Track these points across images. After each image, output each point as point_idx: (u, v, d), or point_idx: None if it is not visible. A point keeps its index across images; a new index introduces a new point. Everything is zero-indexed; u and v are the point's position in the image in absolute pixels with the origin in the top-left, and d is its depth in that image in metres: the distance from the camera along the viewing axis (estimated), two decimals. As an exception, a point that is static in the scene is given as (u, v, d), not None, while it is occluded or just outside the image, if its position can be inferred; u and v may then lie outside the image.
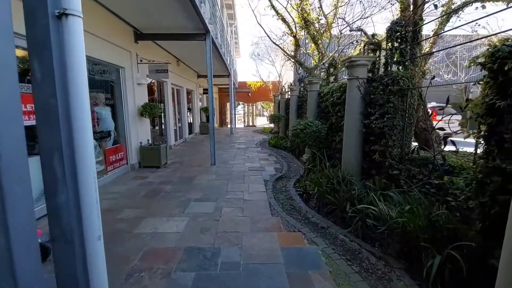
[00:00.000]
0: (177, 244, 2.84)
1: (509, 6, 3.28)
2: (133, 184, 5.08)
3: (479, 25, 7.93)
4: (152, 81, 8.51)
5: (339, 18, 7.34)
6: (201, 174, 5.79)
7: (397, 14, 4.22)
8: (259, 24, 10.94)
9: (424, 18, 3.64)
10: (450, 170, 2.75)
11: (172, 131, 9.57)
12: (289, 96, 10.35)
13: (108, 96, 5.64)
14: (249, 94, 23.38)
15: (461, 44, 4.90)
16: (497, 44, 1.84)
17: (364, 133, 3.80)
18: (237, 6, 16.54)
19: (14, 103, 0.91)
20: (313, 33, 8.29)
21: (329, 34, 8.66)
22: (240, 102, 25.51)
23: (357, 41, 4.53)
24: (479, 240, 1.99)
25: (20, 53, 3.21)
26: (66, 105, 1.24)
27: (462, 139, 2.61)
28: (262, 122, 27.93)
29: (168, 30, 6.27)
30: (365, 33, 5.86)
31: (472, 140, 2.19)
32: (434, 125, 4.00)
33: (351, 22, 6.52)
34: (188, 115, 13.53)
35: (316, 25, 8.28)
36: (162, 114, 8.89)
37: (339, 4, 8.38)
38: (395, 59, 3.51)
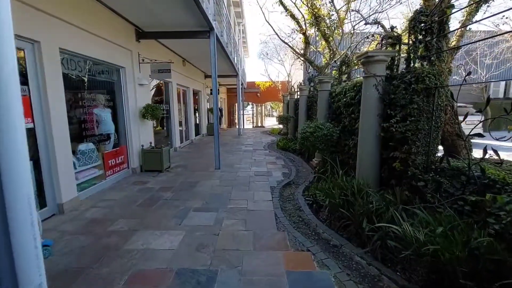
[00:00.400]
0: (169, 265, 2.51)
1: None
2: (132, 190, 4.80)
3: (507, 17, 7.30)
4: (160, 82, 8.29)
5: (353, 11, 6.87)
6: (204, 179, 5.47)
7: (420, 4, 3.77)
8: (268, 22, 10.56)
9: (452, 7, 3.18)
10: (489, 184, 2.31)
11: (178, 133, 9.32)
12: (298, 96, 9.93)
13: (108, 98, 5.40)
14: (258, 95, 23.04)
15: (486, 38, 4.36)
16: None
17: (382, 137, 3.37)
18: (245, 5, 16.21)
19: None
20: (324, 29, 7.85)
21: (340, 30, 8.20)
22: (249, 103, 25.20)
23: (372, 35, 4.09)
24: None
25: None
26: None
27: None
28: (271, 122, 27.54)
29: (170, 28, 5.99)
30: (383, 26, 5.38)
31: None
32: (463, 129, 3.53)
33: (366, 16, 6.06)
34: (197, 116, 13.30)
35: (327, 21, 7.84)
36: (167, 115, 8.64)
37: (352, -2, 7.92)
38: (419, 54, 3.07)
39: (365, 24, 5.56)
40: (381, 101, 3.35)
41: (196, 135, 12.39)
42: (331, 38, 8.10)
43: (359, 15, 7.75)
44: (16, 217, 0.92)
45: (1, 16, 0.71)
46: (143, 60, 6.17)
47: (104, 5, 4.73)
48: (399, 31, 3.60)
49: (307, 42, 8.97)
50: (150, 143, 6.57)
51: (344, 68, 5.46)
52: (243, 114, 18.25)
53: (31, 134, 3.46)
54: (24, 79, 3.34)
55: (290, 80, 18.48)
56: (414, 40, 3.07)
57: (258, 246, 2.85)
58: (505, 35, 12.11)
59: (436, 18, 3.04)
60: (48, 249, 2.68)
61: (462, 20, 3.92)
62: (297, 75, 18.38)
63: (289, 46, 10.25)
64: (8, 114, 0.74)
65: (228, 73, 13.27)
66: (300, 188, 4.78)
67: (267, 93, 22.64)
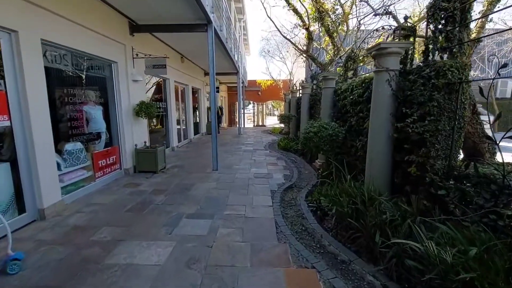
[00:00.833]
0: (153, 284, 2.18)
1: None
2: (122, 193, 4.48)
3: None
4: (160, 79, 7.97)
5: (362, 1, 6.48)
6: (201, 181, 5.14)
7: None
8: (269, 18, 10.17)
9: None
10: (527, 195, 1.97)
11: (175, 132, 9.00)
12: (300, 95, 9.58)
13: (98, 94, 5.08)
14: (259, 93, 22.70)
15: (503, 31, 4.00)
16: None
17: (396, 139, 3.03)
18: (245, 0, 15.82)
19: None
20: (328, 24, 7.49)
21: (345, 25, 7.83)
22: (250, 101, 24.86)
23: (382, 28, 3.74)
24: None
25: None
26: None
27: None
28: (272, 121, 27.21)
29: (166, 21, 5.65)
30: (394, 17, 5.02)
31: None
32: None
33: (375, 8, 5.70)
34: (196, 114, 12.97)
35: (332, 16, 7.47)
36: (164, 113, 8.32)
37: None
38: (438, 45, 2.72)
39: (375, 15, 5.21)
40: (394, 98, 3.01)
41: (195, 134, 12.07)
42: (335, 34, 7.73)
43: (365, 10, 7.39)
44: None
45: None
46: (137, 55, 5.84)
47: (94, -6, 4.41)
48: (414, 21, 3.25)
49: (310, 38, 8.60)
50: (145, 142, 6.25)
51: (350, 64, 5.11)
52: (243, 113, 17.93)
53: (7, 132, 3.15)
54: (-1, 72, 3.03)
55: (292, 78, 18.12)
56: (433, 29, 2.72)
57: (256, 261, 2.52)
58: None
59: (458, 5, 2.69)
60: (17, 263, 2.37)
61: (482, 11, 3.57)
62: (299, 73, 18.02)
63: (291, 42, 9.89)
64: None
65: (228, 71, 12.94)
66: (302, 192, 4.45)
67: (268, 91, 22.29)
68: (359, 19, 7.68)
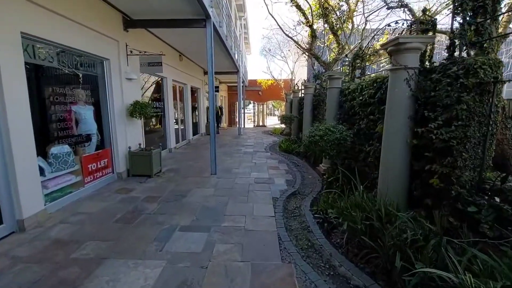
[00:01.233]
0: (137, 317, 1.86)
1: None
2: (113, 200, 4.15)
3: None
4: (158, 78, 7.64)
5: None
6: (198, 186, 4.82)
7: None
8: (271, 15, 9.81)
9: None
10: None
11: (173, 133, 8.67)
12: (302, 95, 9.26)
13: (90, 93, 4.75)
14: (260, 93, 22.37)
15: None
16: None
17: (414, 145, 2.70)
18: (247, -3, 15.45)
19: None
20: (332, 21, 7.14)
21: (350, 22, 7.49)
22: (250, 101, 24.53)
23: (396, 22, 3.42)
24: None
25: None
26: None
27: None
28: (273, 121, 26.90)
29: (162, 16, 5.31)
30: (410, 10, 4.67)
31: None
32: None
33: (388, 2, 5.32)
34: (195, 114, 12.65)
35: (337, 13, 7.13)
36: (161, 113, 7.99)
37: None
38: (467, 40, 2.39)
39: (388, 9, 4.86)
40: (413, 99, 2.68)
41: (194, 135, 11.74)
42: (340, 32, 7.40)
43: (371, 7, 7.05)
44: None
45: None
46: (131, 52, 5.51)
47: (83, -15, 4.08)
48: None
49: (313, 35, 8.25)
50: (139, 144, 5.93)
51: (358, 62, 4.77)
52: (243, 113, 17.61)
53: (-21, 135, 2.82)
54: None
55: (293, 78, 17.78)
56: (461, 22, 2.39)
57: (258, 286, 2.19)
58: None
59: (488, -6, 2.36)
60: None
61: (509, 3, 3.24)
62: (301, 73, 17.69)
63: (294, 40, 9.55)
64: None
65: (228, 70, 12.60)
66: (307, 201, 4.12)
67: (269, 91, 21.94)
68: (365, 16, 7.34)
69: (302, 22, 8.18)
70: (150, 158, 5.35)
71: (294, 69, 18.20)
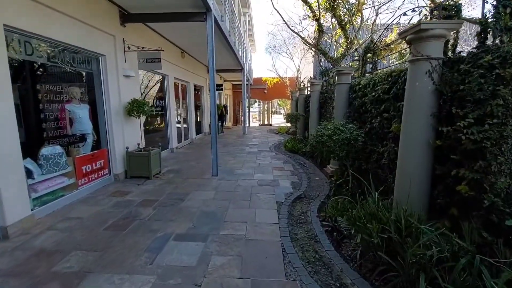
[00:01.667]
0: None
1: None
2: (107, 204, 3.92)
3: None
4: (160, 76, 7.41)
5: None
6: (198, 189, 4.55)
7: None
8: (276, 10, 9.47)
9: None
10: None
11: (175, 132, 8.43)
12: (308, 92, 8.93)
13: (84, 91, 4.53)
14: (265, 91, 22.02)
15: None
16: None
17: (437, 146, 2.37)
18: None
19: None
20: (340, 15, 6.78)
21: (359, 16, 7.11)
22: (256, 100, 24.20)
23: (413, 10, 3.08)
24: None
25: None
26: None
27: None
28: (278, 120, 26.54)
29: (161, 9, 5.05)
30: None
31: None
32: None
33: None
34: (200, 113, 12.41)
35: (346, 5, 6.76)
36: (162, 112, 7.76)
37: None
38: (502, 24, 2.05)
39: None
40: (437, 94, 2.35)
41: (197, 134, 11.50)
42: (348, 26, 7.03)
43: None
44: None
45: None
46: (129, 47, 5.27)
47: (74, -24, 3.84)
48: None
49: (320, 30, 7.87)
50: (138, 144, 5.70)
51: (369, 56, 4.43)
52: (248, 112, 17.32)
53: (-43, 136, 2.60)
54: None
55: (299, 75, 17.38)
56: (495, 4, 2.05)
57: (258, 310, 1.90)
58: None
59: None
60: None
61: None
62: (307, 71, 17.29)
63: (300, 36, 9.19)
64: None
65: (233, 68, 12.33)
66: (314, 205, 3.81)
67: (275, 89, 21.58)
68: (376, 8, 6.93)
69: (309, 16, 7.81)
70: (149, 158, 5.11)
71: (300, 67, 17.80)
